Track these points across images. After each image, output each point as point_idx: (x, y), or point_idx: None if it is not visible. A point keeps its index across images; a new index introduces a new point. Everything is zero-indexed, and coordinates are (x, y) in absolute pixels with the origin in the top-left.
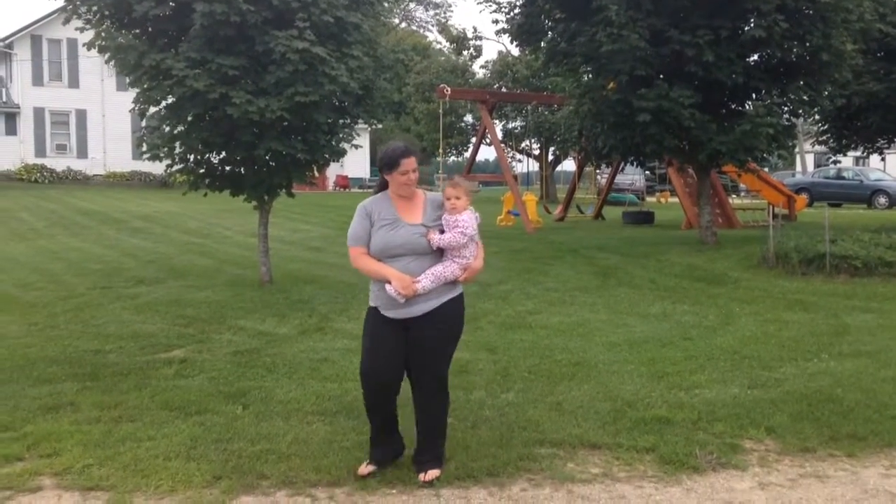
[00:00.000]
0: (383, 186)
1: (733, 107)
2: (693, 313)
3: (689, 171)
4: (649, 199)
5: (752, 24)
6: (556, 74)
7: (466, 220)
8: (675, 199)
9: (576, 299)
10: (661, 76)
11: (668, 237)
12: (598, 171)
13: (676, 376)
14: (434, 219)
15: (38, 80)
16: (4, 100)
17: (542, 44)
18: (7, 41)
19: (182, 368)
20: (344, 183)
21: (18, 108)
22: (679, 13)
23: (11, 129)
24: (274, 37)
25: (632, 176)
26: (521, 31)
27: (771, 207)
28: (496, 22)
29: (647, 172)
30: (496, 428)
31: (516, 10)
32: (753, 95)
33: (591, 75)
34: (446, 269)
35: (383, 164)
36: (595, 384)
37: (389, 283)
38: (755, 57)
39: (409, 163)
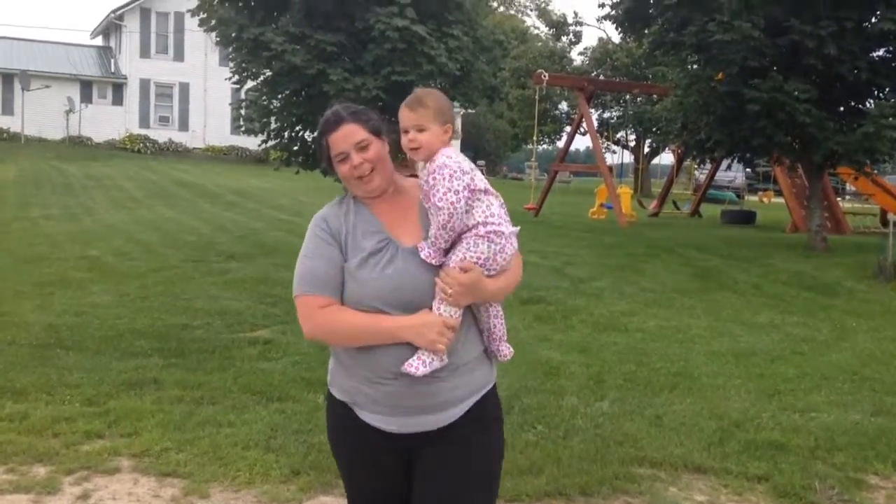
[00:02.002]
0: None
1: (853, 104)
2: (804, 325)
3: (798, 170)
4: (750, 197)
5: (879, 16)
6: (662, 63)
7: (448, 170)
8: (779, 199)
9: (674, 302)
10: (775, 68)
11: (773, 240)
12: (697, 166)
13: (789, 395)
14: None
15: (145, 52)
16: (112, 70)
17: (648, 31)
18: (118, 13)
19: (266, 350)
20: None
21: (125, 79)
22: (800, 2)
23: (118, 100)
24: (374, 13)
25: (732, 173)
26: (628, 17)
27: (885, 214)
28: (602, 6)
29: (748, 170)
30: (590, 440)
31: None
32: (876, 93)
33: (699, 65)
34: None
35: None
36: (698, 398)
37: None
38: (881, 52)
39: (346, 136)
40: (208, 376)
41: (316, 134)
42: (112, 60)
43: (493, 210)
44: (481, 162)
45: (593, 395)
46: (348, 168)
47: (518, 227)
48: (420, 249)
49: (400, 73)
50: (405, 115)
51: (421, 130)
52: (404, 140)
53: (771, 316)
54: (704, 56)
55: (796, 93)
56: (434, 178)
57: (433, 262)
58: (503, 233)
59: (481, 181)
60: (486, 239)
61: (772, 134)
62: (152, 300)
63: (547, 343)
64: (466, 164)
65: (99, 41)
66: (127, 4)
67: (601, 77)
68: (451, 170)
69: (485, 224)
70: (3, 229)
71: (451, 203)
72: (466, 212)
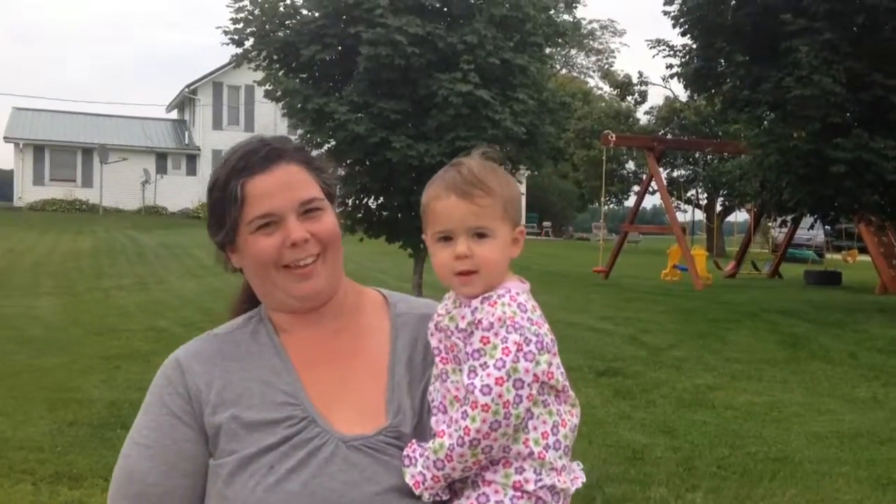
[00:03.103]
0: (247, 299)
1: None
2: None
3: (886, 228)
4: (831, 256)
5: None
6: (735, 121)
7: (516, 335)
8: (864, 258)
9: (763, 374)
10: (857, 124)
11: (863, 302)
12: (771, 223)
13: None
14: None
15: (217, 124)
16: (187, 142)
17: (719, 90)
18: (192, 87)
19: None
20: None
21: (199, 150)
22: (882, 55)
23: (192, 170)
24: (437, 80)
25: (811, 231)
26: (697, 75)
27: None
28: (670, 66)
29: (826, 227)
30: None
31: (693, 54)
32: None
33: (776, 122)
34: None
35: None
36: (802, 489)
37: None
38: None
39: (282, 184)
40: None
41: (214, 178)
42: (186, 132)
43: (560, 436)
44: (547, 223)
45: (684, 485)
46: (275, 245)
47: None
48: (406, 461)
49: (464, 138)
50: (452, 208)
51: (482, 236)
52: (444, 257)
53: (872, 389)
54: (781, 112)
55: (884, 150)
56: (485, 341)
57: (427, 497)
58: (562, 491)
59: (560, 372)
60: (531, 500)
61: (858, 193)
62: None
63: (628, 422)
64: (545, 327)
65: (174, 115)
66: (201, 79)
67: (668, 136)
68: (521, 335)
69: (539, 465)
70: (76, 301)
71: (504, 401)
72: (517, 428)
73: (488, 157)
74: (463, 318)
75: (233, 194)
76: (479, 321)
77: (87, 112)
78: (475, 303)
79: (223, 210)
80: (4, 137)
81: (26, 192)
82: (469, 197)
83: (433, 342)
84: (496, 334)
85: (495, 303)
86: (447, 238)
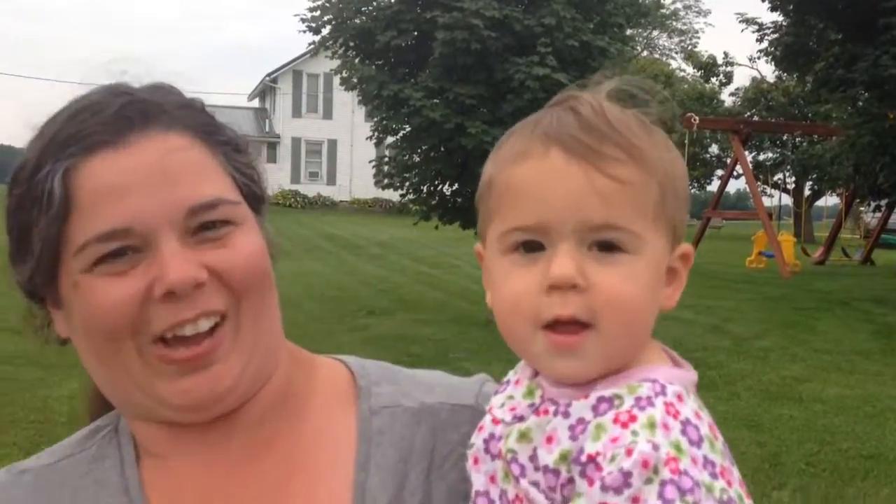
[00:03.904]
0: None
1: None
2: None
3: None
4: None
5: None
6: (826, 102)
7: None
8: None
9: (855, 366)
10: None
11: None
12: (864, 208)
13: None
14: None
15: (296, 112)
16: (267, 130)
17: (812, 69)
18: (273, 76)
19: None
20: None
21: (279, 137)
22: None
23: (272, 157)
24: (514, 63)
25: None
26: (788, 54)
27: None
28: (760, 40)
29: None
30: None
31: (783, 32)
32: None
33: (871, 102)
34: None
35: (10, 227)
36: None
37: None
38: None
39: (127, 170)
40: None
41: (21, 161)
42: (267, 121)
43: None
44: None
45: (770, 483)
46: (132, 295)
47: None
48: None
49: None
50: (554, 181)
51: (611, 248)
52: (521, 286)
53: None
54: (877, 92)
55: None
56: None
57: None
58: None
59: None
60: None
61: None
62: None
63: (710, 414)
64: (735, 477)
65: (255, 103)
66: (281, 68)
67: (755, 118)
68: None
69: None
70: None
71: None
72: None
73: (625, 96)
74: (551, 440)
75: (45, 192)
76: (593, 459)
77: None
78: (582, 407)
79: (29, 223)
80: None
81: None
82: (595, 159)
83: (476, 479)
84: (634, 500)
85: (633, 417)
86: (532, 246)
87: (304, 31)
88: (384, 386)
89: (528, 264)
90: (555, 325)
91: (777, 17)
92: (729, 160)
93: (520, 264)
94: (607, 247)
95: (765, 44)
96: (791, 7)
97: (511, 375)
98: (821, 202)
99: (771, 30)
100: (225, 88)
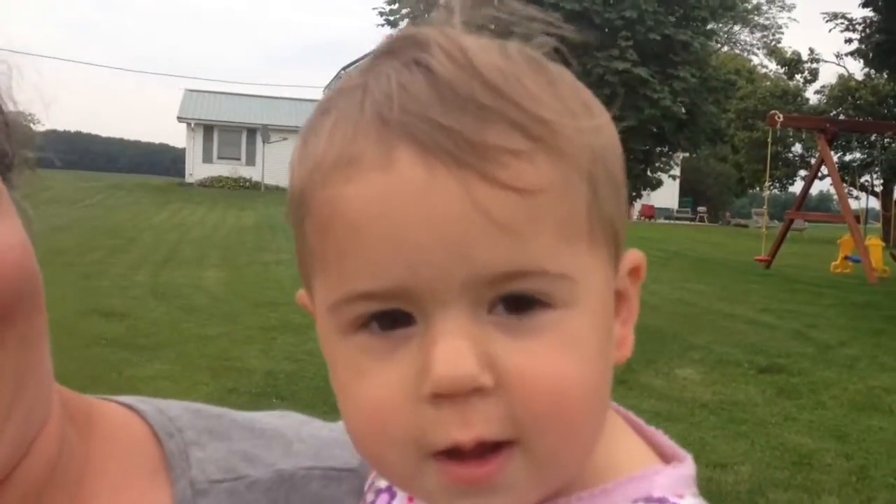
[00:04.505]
0: None
1: None
2: None
3: None
4: None
5: None
6: None
7: None
8: None
9: None
10: None
11: None
12: None
13: None
14: None
15: None
16: None
17: None
18: (347, 69)
19: None
20: (649, 213)
21: None
22: None
23: None
24: (593, 58)
25: None
26: (878, 51)
27: None
28: (849, 42)
29: None
30: None
31: (874, 28)
32: None
33: None
34: None
35: None
36: None
37: None
38: None
39: None
40: None
41: None
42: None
43: None
44: (702, 208)
45: (858, 496)
46: None
47: None
48: None
49: (620, 118)
50: (422, 218)
51: (531, 303)
52: (384, 392)
53: None
54: None
55: None
56: None
57: None
58: None
59: None
60: None
61: None
62: None
63: (793, 424)
64: None
65: None
66: (356, 61)
67: (841, 117)
68: None
69: None
70: (239, 273)
71: None
72: None
73: (487, 23)
74: None
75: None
76: None
77: (251, 94)
78: None
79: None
80: (178, 117)
81: (196, 169)
82: (477, 160)
83: None
84: None
85: None
86: (393, 318)
87: (382, 25)
88: (208, 445)
89: (389, 352)
90: (454, 452)
91: (868, 13)
92: (813, 160)
93: (375, 354)
94: (520, 304)
95: (854, 42)
96: (882, 3)
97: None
98: None
99: (862, 26)
100: (302, 81)
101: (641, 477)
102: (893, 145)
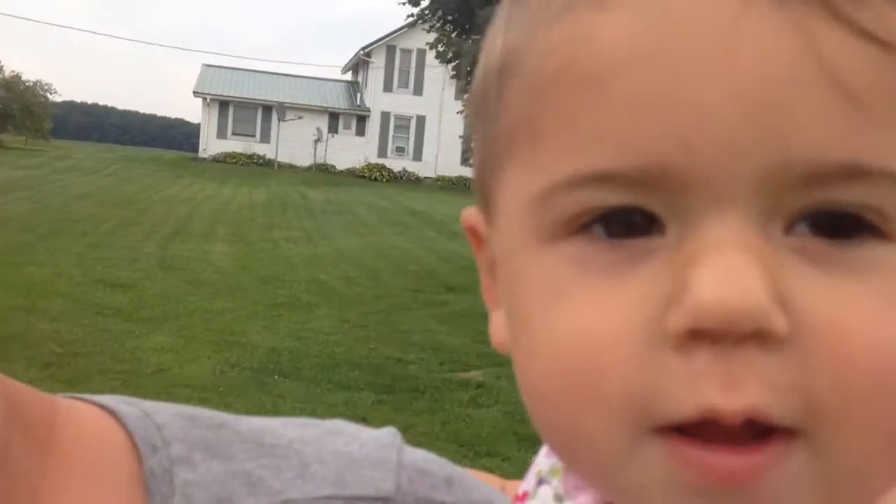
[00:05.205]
0: None
1: None
2: None
3: None
4: None
5: None
6: None
7: None
8: None
9: None
10: None
11: None
12: None
13: None
14: None
15: (388, 86)
16: (358, 103)
17: None
18: (367, 49)
19: (478, 395)
20: None
21: (369, 111)
22: None
23: (360, 131)
24: None
25: None
26: None
27: None
28: None
29: None
30: None
31: None
32: None
33: None
34: None
35: None
36: None
37: None
38: None
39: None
40: (416, 418)
41: None
42: (358, 94)
43: None
44: None
45: None
46: None
47: None
48: None
49: None
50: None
51: (859, 234)
52: (599, 327)
53: None
54: None
55: None
56: None
57: None
58: None
59: None
60: None
61: None
62: (370, 329)
63: None
64: None
65: (348, 76)
66: (375, 42)
67: None
68: None
69: None
70: (247, 249)
71: None
72: None
73: None
74: None
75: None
76: None
77: (268, 71)
78: None
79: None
80: (194, 92)
81: (210, 145)
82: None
83: None
84: None
85: None
86: (631, 223)
87: (404, 3)
88: (200, 463)
89: (617, 268)
90: (701, 430)
91: None
92: None
93: (594, 269)
94: (840, 226)
95: None
96: None
97: (528, 485)
98: None
99: None
100: (320, 60)
101: None
102: None
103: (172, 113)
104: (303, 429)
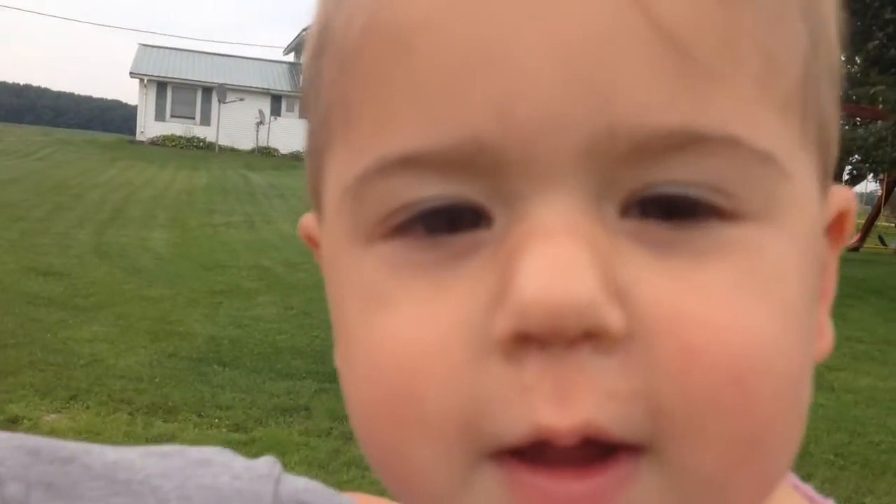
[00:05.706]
0: None
1: None
2: None
3: None
4: None
5: None
6: (875, 83)
7: None
8: None
9: (888, 356)
10: None
11: None
12: None
13: None
14: None
15: None
16: (301, 85)
17: (858, 47)
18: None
19: None
20: None
21: None
22: None
23: (304, 113)
24: None
25: None
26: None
27: None
28: None
29: None
30: None
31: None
32: None
33: None
34: None
35: None
36: None
37: None
38: None
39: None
40: None
41: None
42: (301, 76)
43: None
44: None
45: (797, 472)
46: None
47: None
48: None
49: None
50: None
51: (702, 214)
52: (414, 334)
53: None
54: None
55: None
56: None
57: None
58: None
59: None
60: None
61: None
62: (314, 316)
63: None
64: None
65: (291, 58)
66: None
67: None
68: None
69: None
70: (187, 235)
71: None
72: None
73: None
74: None
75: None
76: None
77: (208, 51)
78: None
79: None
80: (131, 72)
81: (148, 127)
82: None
83: None
84: None
85: None
86: (454, 214)
87: None
88: (35, 497)
89: (438, 269)
90: (542, 451)
91: None
92: None
93: (414, 272)
94: (679, 206)
95: None
96: None
97: None
98: (860, 188)
99: None
100: (262, 41)
101: None
102: (846, 127)
103: (109, 94)
104: (165, 460)
